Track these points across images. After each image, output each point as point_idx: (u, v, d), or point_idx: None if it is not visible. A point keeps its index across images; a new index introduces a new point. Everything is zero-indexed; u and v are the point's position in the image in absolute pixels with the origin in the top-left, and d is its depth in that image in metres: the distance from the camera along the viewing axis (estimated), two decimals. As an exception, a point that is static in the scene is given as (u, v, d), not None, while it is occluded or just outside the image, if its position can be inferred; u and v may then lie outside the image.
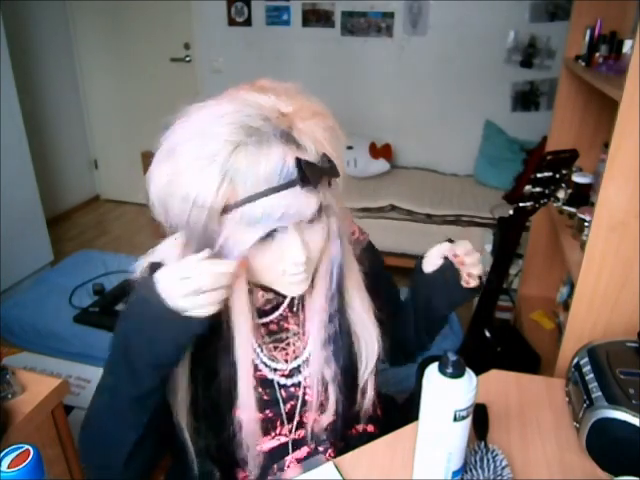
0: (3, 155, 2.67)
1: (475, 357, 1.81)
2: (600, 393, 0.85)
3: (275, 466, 0.85)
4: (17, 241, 2.78)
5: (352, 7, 3.36)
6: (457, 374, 0.71)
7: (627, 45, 1.53)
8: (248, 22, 3.56)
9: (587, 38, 1.69)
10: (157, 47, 3.74)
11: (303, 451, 0.87)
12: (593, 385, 0.87)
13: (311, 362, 0.83)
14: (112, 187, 4.24)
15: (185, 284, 0.63)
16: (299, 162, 0.64)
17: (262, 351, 0.83)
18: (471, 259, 0.84)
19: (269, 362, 0.83)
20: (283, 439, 0.86)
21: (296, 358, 0.85)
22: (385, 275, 1.02)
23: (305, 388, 0.85)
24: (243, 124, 0.63)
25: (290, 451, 0.86)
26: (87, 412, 0.79)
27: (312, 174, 0.64)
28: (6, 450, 0.64)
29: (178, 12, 3.59)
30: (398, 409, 1.13)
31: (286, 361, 0.84)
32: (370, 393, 0.88)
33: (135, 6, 3.62)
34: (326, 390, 0.83)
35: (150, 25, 3.68)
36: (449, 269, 0.86)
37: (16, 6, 3.23)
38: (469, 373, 0.72)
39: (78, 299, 2.36)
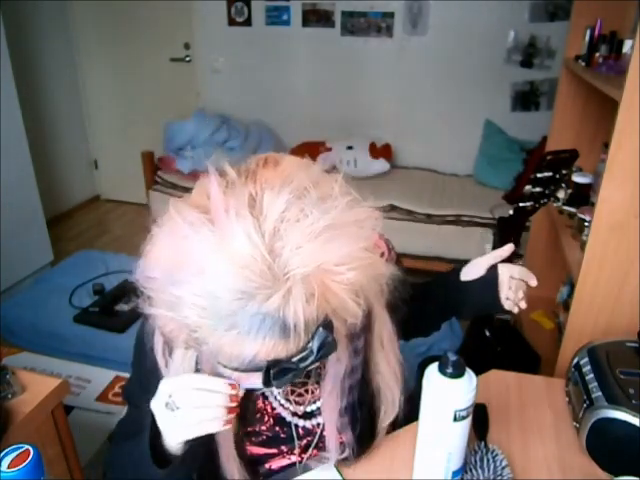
0: (3, 155, 2.67)
1: (475, 357, 1.81)
2: (600, 393, 0.85)
3: None
4: (17, 241, 2.78)
5: (352, 7, 3.36)
6: (457, 374, 0.70)
7: (627, 45, 1.53)
8: (248, 22, 3.56)
9: (587, 38, 1.69)
10: (157, 47, 3.74)
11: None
12: (593, 385, 0.87)
13: (326, 427, 0.80)
14: (112, 187, 4.23)
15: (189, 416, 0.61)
16: (268, 369, 0.54)
17: (279, 393, 0.80)
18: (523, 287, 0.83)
19: (286, 403, 0.81)
20: (294, 458, 0.84)
21: (315, 402, 0.81)
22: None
23: (323, 426, 0.82)
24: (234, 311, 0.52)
25: (300, 471, 0.85)
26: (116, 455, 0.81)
27: (281, 384, 0.55)
28: (6, 450, 0.64)
29: (178, 12, 3.59)
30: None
31: (302, 404, 0.81)
32: (382, 435, 0.86)
33: (135, 6, 3.62)
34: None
35: (150, 25, 3.68)
36: (491, 283, 0.86)
37: (16, 6, 3.23)
38: (469, 373, 0.72)
39: (78, 299, 2.35)
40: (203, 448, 0.71)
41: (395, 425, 0.91)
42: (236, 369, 0.55)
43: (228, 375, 0.61)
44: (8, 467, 0.62)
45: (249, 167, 0.58)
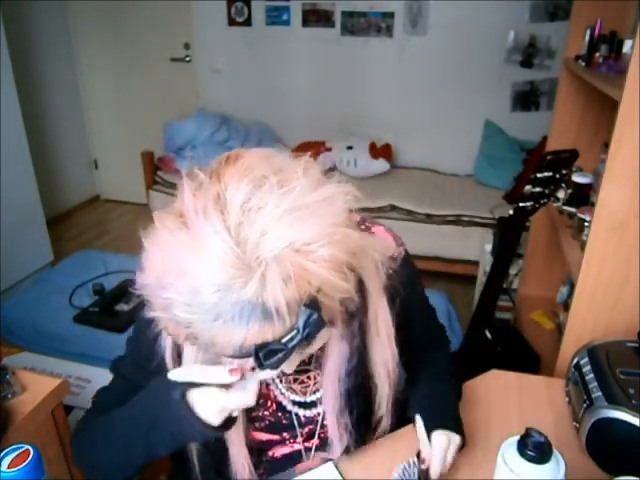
0: (3, 155, 2.67)
1: (475, 357, 1.82)
2: (600, 393, 0.85)
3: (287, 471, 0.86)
4: (17, 241, 2.78)
5: (352, 7, 3.36)
6: (540, 459, 0.58)
7: (627, 45, 1.53)
8: (248, 22, 3.56)
9: (587, 38, 1.69)
10: (157, 47, 3.74)
11: (316, 459, 0.87)
12: (593, 385, 0.87)
13: (327, 415, 0.82)
14: (112, 187, 4.24)
15: (223, 402, 0.65)
16: (256, 352, 0.56)
17: (281, 382, 0.83)
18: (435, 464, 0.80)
19: (287, 393, 0.83)
20: (297, 446, 0.86)
21: (315, 392, 0.84)
22: (419, 302, 0.96)
23: (325, 414, 0.84)
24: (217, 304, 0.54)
25: (304, 458, 0.87)
26: (83, 426, 0.83)
27: (274, 365, 0.57)
28: (6, 450, 0.64)
29: (178, 12, 3.59)
30: (399, 407, 1.12)
31: (304, 394, 0.84)
32: (386, 422, 0.86)
33: (135, 6, 3.62)
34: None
35: (150, 25, 3.68)
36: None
37: (16, 6, 3.23)
38: (557, 458, 0.60)
39: (78, 299, 2.35)
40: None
41: (393, 425, 0.91)
42: (232, 356, 0.58)
43: (231, 360, 0.63)
44: (8, 467, 0.62)
45: (213, 167, 0.61)
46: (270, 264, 0.53)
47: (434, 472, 0.78)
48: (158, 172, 3.46)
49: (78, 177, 4.08)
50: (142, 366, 0.79)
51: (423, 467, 0.79)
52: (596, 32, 1.67)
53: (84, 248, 3.15)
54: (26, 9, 3.37)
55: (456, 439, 0.81)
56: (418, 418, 0.84)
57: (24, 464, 0.63)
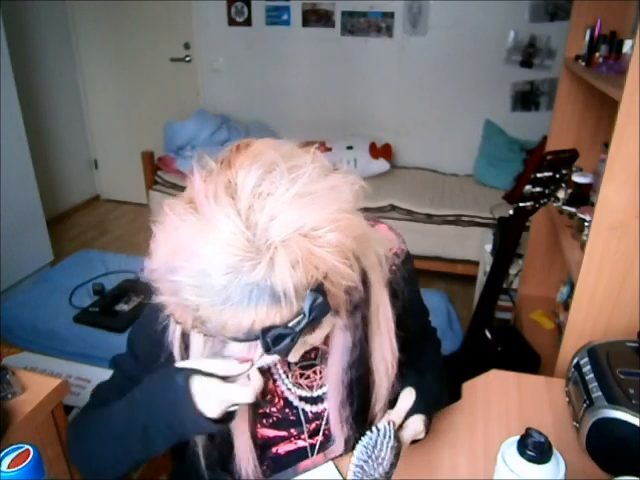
0: (3, 155, 2.67)
1: (475, 357, 1.82)
2: (600, 393, 0.85)
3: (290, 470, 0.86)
4: (17, 241, 2.78)
5: (352, 7, 3.36)
6: (540, 459, 0.57)
7: (627, 45, 1.53)
8: (248, 22, 3.56)
9: (587, 38, 1.69)
10: (157, 47, 3.74)
11: (319, 456, 0.88)
12: (593, 385, 0.87)
13: (330, 406, 0.83)
14: (112, 187, 4.24)
15: (225, 393, 0.65)
16: (264, 335, 0.56)
17: (288, 377, 0.83)
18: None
19: (293, 388, 0.84)
20: (301, 443, 0.87)
21: (322, 386, 0.85)
22: (417, 302, 0.97)
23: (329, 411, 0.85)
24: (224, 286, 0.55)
25: (309, 454, 0.87)
26: (80, 420, 0.83)
27: (282, 350, 0.57)
28: (6, 450, 0.64)
29: (178, 12, 3.59)
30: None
31: (311, 388, 0.85)
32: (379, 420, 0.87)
33: (135, 6, 3.62)
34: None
35: (150, 25, 3.68)
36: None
37: (16, 6, 3.23)
38: (557, 458, 0.60)
39: (78, 299, 2.35)
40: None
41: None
42: (241, 341, 0.58)
43: (238, 351, 0.65)
44: (8, 467, 0.62)
45: (224, 155, 0.62)
46: (279, 248, 0.53)
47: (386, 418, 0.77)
48: (158, 172, 3.46)
49: (78, 177, 4.08)
50: (145, 363, 0.79)
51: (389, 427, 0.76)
52: (596, 32, 1.67)
53: (84, 248, 3.15)
54: (26, 9, 3.37)
55: (423, 433, 0.81)
56: (411, 390, 0.82)
57: (24, 464, 0.62)
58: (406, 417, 0.80)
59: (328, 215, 0.56)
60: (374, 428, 0.74)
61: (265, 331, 0.56)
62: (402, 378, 0.84)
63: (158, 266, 0.58)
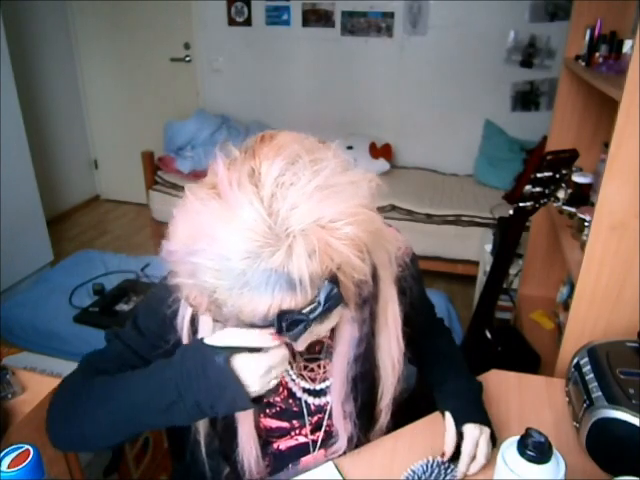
0: (3, 155, 2.67)
1: (475, 357, 1.81)
2: (600, 393, 0.85)
3: (290, 465, 0.87)
4: (17, 241, 2.78)
5: (352, 7, 3.36)
6: (540, 459, 0.58)
7: (627, 45, 1.53)
8: (248, 22, 3.56)
9: (587, 38, 1.69)
10: (157, 47, 3.74)
11: (320, 453, 0.88)
12: (593, 385, 0.87)
13: (333, 400, 0.83)
14: (112, 187, 4.24)
15: (265, 366, 0.64)
16: (279, 319, 0.57)
17: (292, 369, 0.84)
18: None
19: (297, 379, 0.84)
20: (302, 439, 0.87)
21: (325, 380, 0.85)
22: (423, 300, 0.99)
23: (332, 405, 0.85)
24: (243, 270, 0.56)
25: (310, 450, 0.88)
26: (70, 389, 0.80)
27: (295, 335, 0.59)
28: (6, 450, 0.64)
29: (178, 12, 3.59)
30: (399, 408, 1.13)
31: (314, 381, 0.85)
32: (384, 418, 0.87)
33: (135, 6, 3.62)
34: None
35: (150, 25, 3.68)
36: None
37: (16, 6, 3.23)
38: (557, 458, 0.60)
39: (78, 299, 2.35)
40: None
41: (396, 424, 0.92)
42: (256, 326, 0.59)
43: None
44: (8, 467, 0.62)
45: (248, 145, 0.63)
46: (297, 237, 0.55)
47: (464, 463, 0.80)
48: (158, 172, 3.46)
49: (78, 177, 4.08)
50: (151, 339, 0.78)
51: (443, 459, 0.81)
52: (596, 32, 1.66)
53: (84, 248, 3.15)
54: (26, 9, 3.37)
55: (487, 430, 0.84)
56: (448, 415, 0.86)
57: (24, 464, 0.62)
58: (459, 436, 0.83)
59: (346, 209, 0.57)
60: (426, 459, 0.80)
61: (280, 315, 0.57)
62: (440, 395, 0.87)
63: (177, 248, 0.59)
